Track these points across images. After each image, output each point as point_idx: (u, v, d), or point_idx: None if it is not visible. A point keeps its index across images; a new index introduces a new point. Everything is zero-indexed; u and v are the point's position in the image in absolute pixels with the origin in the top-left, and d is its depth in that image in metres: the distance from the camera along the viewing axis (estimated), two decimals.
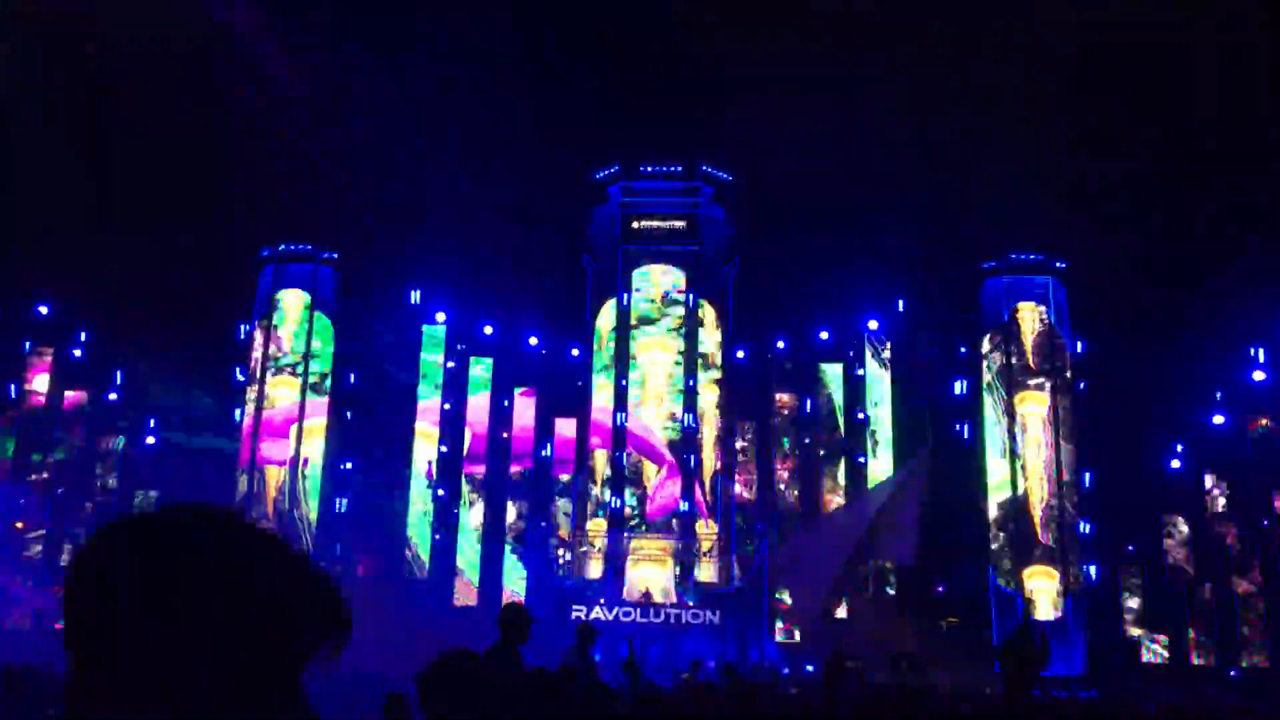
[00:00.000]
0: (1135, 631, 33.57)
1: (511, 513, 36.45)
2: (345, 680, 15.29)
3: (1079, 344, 35.55)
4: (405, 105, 41.10)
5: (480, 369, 37.68)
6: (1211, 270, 34.10)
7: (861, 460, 35.93)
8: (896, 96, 39.45)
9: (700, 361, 37.12)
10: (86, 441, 35.66)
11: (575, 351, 38.30)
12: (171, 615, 1.10)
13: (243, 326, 36.70)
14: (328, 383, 36.13)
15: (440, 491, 36.22)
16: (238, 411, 35.99)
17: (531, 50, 41.67)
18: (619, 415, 36.34)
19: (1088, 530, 33.91)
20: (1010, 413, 34.76)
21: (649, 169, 38.67)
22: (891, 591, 33.49)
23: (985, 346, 35.63)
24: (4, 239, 34.03)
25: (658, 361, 37.08)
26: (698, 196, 38.37)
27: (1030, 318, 35.47)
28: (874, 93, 39.57)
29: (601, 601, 31.74)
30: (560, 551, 36.09)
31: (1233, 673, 31.80)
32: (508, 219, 39.33)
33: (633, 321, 37.27)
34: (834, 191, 38.93)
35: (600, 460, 36.48)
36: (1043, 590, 33.14)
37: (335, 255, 37.07)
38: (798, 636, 33.34)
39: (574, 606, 30.32)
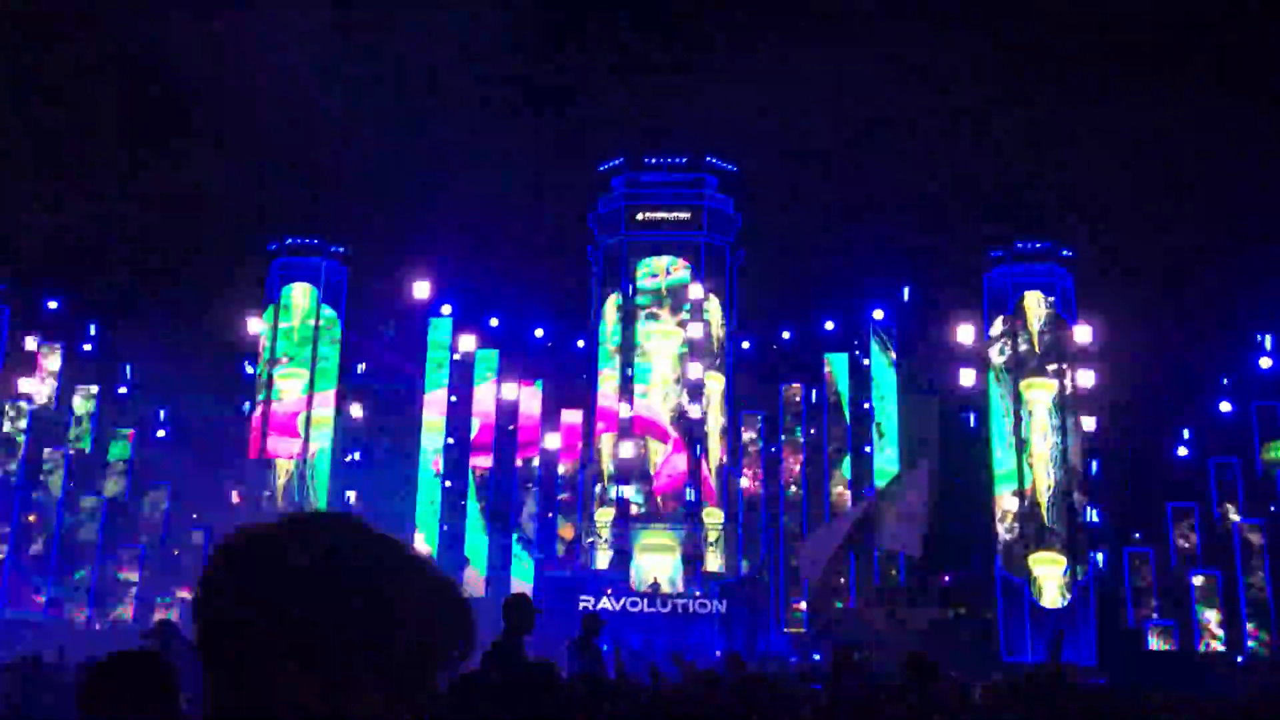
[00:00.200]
0: (1142, 619, 33.58)
1: (518, 504, 36.58)
2: None
3: (1086, 332, 35.49)
4: (411, 100, 41.17)
5: (486, 360, 37.76)
6: (1218, 257, 34.04)
7: (868, 450, 35.96)
8: (902, 86, 39.41)
9: (706, 352, 37.16)
10: (96, 435, 35.83)
11: (581, 343, 38.39)
12: (304, 625, 1.09)
13: (250, 320, 36.83)
14: (335, 375, 36.26)
15: (447, 483, 36.37)
16: (246, 404, 36.15)
17: (536, 41, 41.70)
18: (625, 405, 36.41)
19: (1095, 518, 33.92)
20: (1017, 401, 34.73)
21: (653, 160, 38.68)
22: (898, 580, 33.54)
23: (992, 335, 35.58)
24: (12, 235, 34.21)
25: (663, 352, 37.13)
26: (702, 187, 38.36)
27: (1037, 306, 35.41)
28: (879, 82, 39.55)
29: (609, 592, 31.84)
30: (567, 542, 36.22)
31: (1239, 659, 31.81)
32: (513, 212, 39.48)
33: (638, 313, 37.31)
34: (839, 181, 38.96)
35: (606, 446, 36.54)
36: (1050, 578, 33.19)
37: (342, 249, 37.19)
38: (805, 626, 33.44)
39: (581, 597, 30.41)
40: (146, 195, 36.46)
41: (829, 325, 37.33)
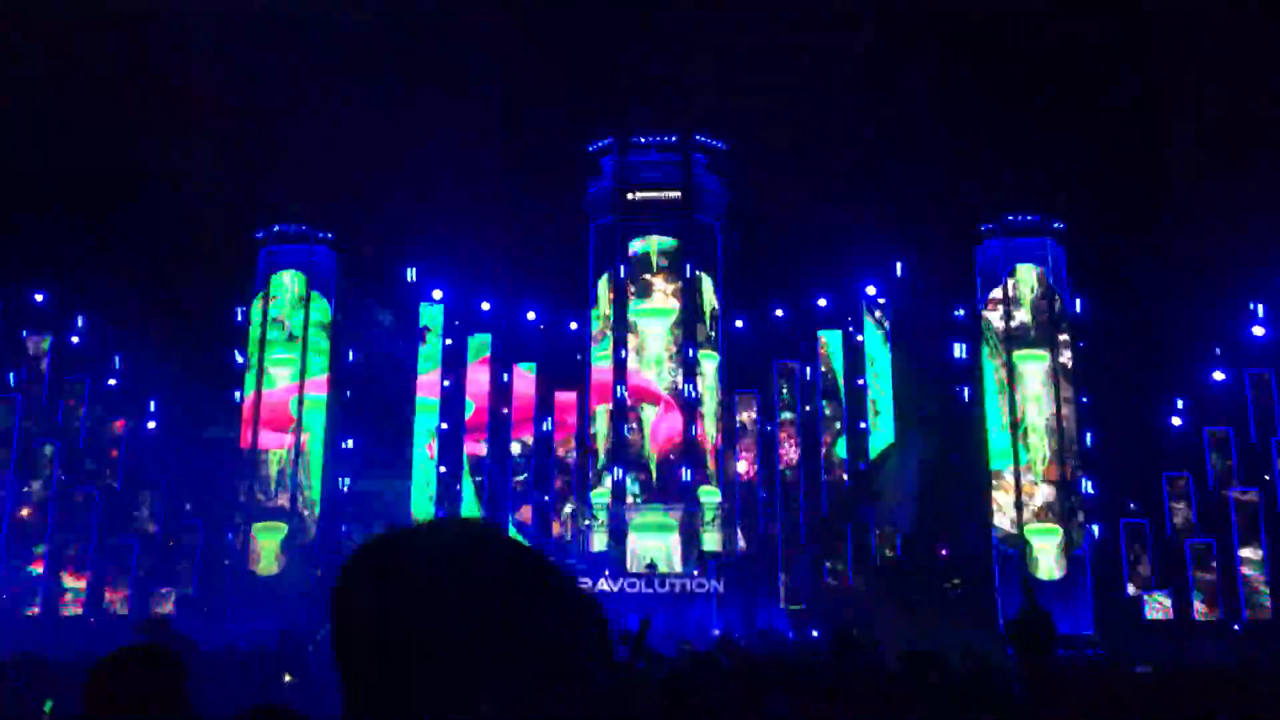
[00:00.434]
0: (1139, 588, 33.72)
1: (513, 486, 36.57)
2: None
3: (1078, 303, 35.50)
4: (397, 83, 40.86)
5: (478, 344, 37.69)
6: (1209, 226, 34.00)
7: (863, 426, 35.98)
8: (890, 60, 39.21)
9: (699, 331, 37.09)
10: (87, 428, 35.69)
11: (574, 325, 38.30)
12: (439, 627, 1.09)
13: (240, 309, 36.65)
14: (326, 362, 36.11)
15: (442, 468, 36.33)
16: (237, 394, 36.02)
17: (522, 22, 41.37)
18: (619, 387, 36.36)
19: (1090, 489, 34.01)
20: (1010, 374, 34.75)
21: (642, 140, 38.46)
22: (895, 555, 33.61)
23: (984, 309, 35.57)
24: None
25: (656, 332, 37.06)
26: (692, 166, 38.20)
27: (1028, 279, 35.38)
28: (868, 57, 39.32)
29: (606, 573, 31.86)
30: (564, 523, 36.24)
31: (1236, 627, 31.98)
32: (502, 194, 39.23)
33: (630, 293, 37.21)
34: (830, 157, 38.79)
35: (602, 427, 36.47)
36: (1046, 549, 33.30)
37: (331, 235, 36.96)
38: (803, 604, 33.52)
39: (579, 579, 30.44)
40: (132, 184, 36.16)
41: (822, 302, 37.28)
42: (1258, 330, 35.02)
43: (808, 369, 37.17)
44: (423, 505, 36.08)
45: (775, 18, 42.18)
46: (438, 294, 37.39)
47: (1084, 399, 34.71)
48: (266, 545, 34.06)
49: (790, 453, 37.05)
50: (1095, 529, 33.83)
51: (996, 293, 35.45)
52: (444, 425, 36.66)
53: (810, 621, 31.02)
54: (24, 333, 35.79)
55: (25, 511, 34.46)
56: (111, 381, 36.27)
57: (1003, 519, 33.84)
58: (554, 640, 1.14)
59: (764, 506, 36.16)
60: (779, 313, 37.63)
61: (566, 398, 37.60)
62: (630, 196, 37.86)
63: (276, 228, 36.67)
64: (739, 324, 37.83)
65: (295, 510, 34.55)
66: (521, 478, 36.81)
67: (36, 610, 32.77)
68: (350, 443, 35.56)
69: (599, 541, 34.88)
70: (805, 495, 35.75)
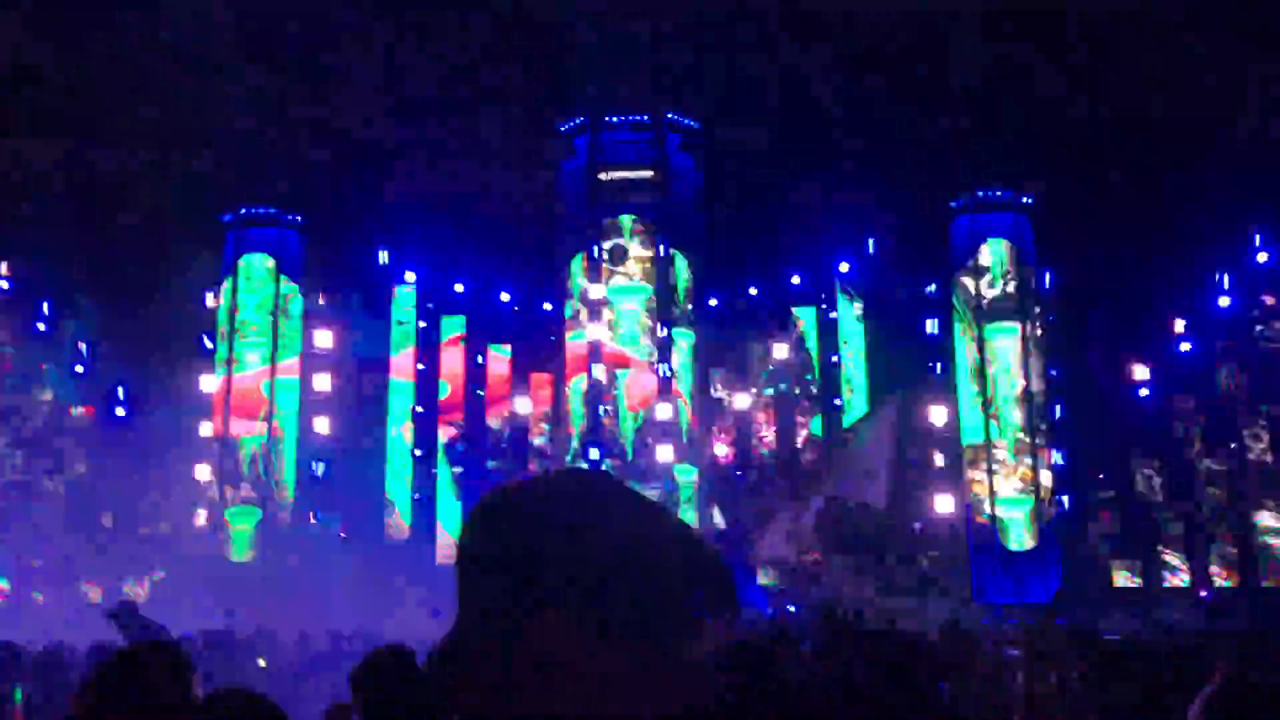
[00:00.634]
0: (1108, 557, 34.19)
1: (490, 468, 36.55)
2: (337, 639, 15.37)
3: (1048, 277, 35.83)
4: (366, 62, 40.50)
5: (452, 326, 37.58)
6: (1176, 199, 34.32)
7: (837, 403, 36.18)
8: (862, 38, 39.20)
9: (674, 309, 37.13)
10: (54, 414, 35.36)
11: (548, 306, 38.25)
12: (562, 576, 1.09)
13: (208, 293, 36.35)
14: (298, 346, 35.89)
15: (418, 451, 36.26)
16: (207, 379, 35.75)
17: (492, 1, 41.06)
18: (594, 367, 36.38)
19: (1060, 460, 34.42)
20: (981, 348, 35.06)
21: (615, 119, 38.35)
22: (869, 529, 33.88)
23: (955, 284, 35.82)
24: None
25: (631, 311, 37.07)
26: (665, 145, 38.14)
27: (999, 253, 35.66)
28: (839, 34, 39.30)
29: None
30: None
31: (1204, 594, 32.48)
32: (474, 175, 39.02)
33: (604, 273, 37.17)
34: (802, 135, 38.80)
35: (577, 403, 36.45)
36: (1016, 520, 33.71)
37: (299, 218, 36.66)
38: (779, 580, 33.72)
39: None
40: (96, 167, 35.72)
41: (796, 280, 37.40)
42: (1224, 300, 35.44)
43: (782, 346, 37.34)
44: (398, 489, 36.03)
45: None
46: (410, 276, 37.22)
47: (1054, 371, 35.10)
48: (239, 531, 33.94)
49: (766, 431, 37.24)
50: (1065, 499, 34.25)
51: (968, 268, 35.70)
52: (419, 409, 36.57)
53: (786, 598, 31.24)
54: None
55: None
56: (79, 368, 35.94)
57: (975, 491, 34.20)
58: (678, 588, 1.14)
59: (740, 484, 36.32)
60: (753, 291, 37.73)
61: (542, 378, 37.61)
62: (603, 176, 37.78)
63: (244, 210, 36.32)
64: (713, 302, 37.90)
65: (268, 496, 34.42)
66: (495, 464, 36.76)
67: (4, 598, 32.52)
68: (324, 426, 35.39)
69: None
70: (781, 473, 35.94)
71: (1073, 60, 38.24)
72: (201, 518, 33.96)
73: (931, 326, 35.77)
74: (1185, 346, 35.42)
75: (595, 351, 36.47)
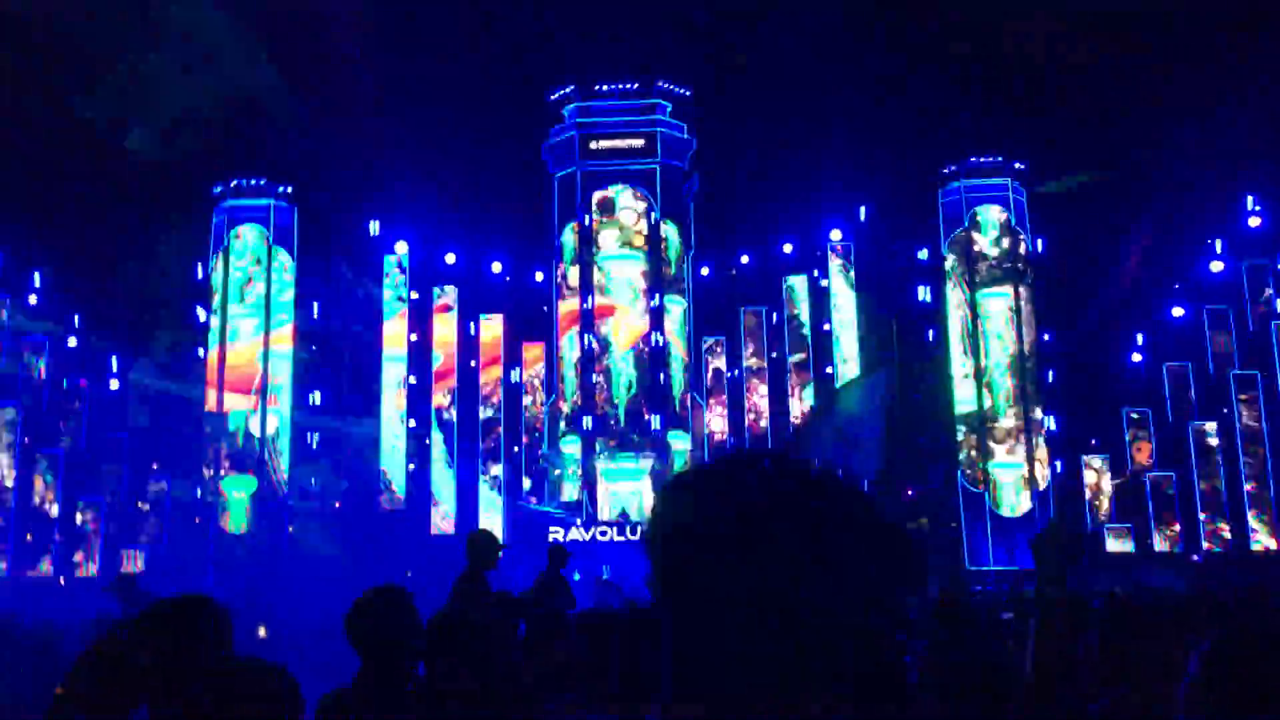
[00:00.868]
0: (1099, 522, 34.39)
1: (483, 439, 36.60)
2: (333, 608, 15.41)
3: (1039, 243, 35.85)
4: (356, 32, 40.12)
5: (445, 297, 37.48)
6: (1167, 165, 34.29)
7: (829, 371, 36.24)
8: (851, 5, 38.94)
9: (665, 279, 37.07)
10: (49, 388, 35.27)
11: (540, 276, 38.16)
12: (752, 552, 1.12)
13: (200, 264, 36.21)
14: (291, 317, 35.82)
15: (412, 422, 36.27)
16: (201, 350, 35.69)
17: None
18: (586, 335, 36.34)
19: (1053, 426, 34.58)
20: (974, 314, 35.13)
21: (604, 87, 38.10)
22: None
23: (947, 250, 35.82)
24: None
25: (622, 281, 36.99)
26: (655, 113, 37.93)
27: (991, 219, 35.66)
28: (830, 2, 39.03)
29: (578, 522, 32.07)
30: (534, 474, 36.36)
31: (1196, 558, 32.73)
32: (465, 145, 38.81)
33: (595, 242, 37.07)
34: (793, 103, 38.62)
35: (570, 375, 36.45)
36: (1008, 485, 33.90)
37: (290, 189, 36.48)
38: None
39: (550, 528, 30.62)
40: (88, 138, 35.42)
41: (787, 248, 37.34)
42: (1215, 265, 35.49)
43: (774, 315, 37.35)
44: (393, 459, 36.06)
45: None
46: (402, 247, 37.07)
47: (1046, 337, 35.20)
48: (236, 500, 33.99)
49: (758, 398, 37.32)
50: (1057, 464, 34.44)
51: (959, 234, 35.70)
52: (412, 380, 36.53)
53: None
54: None
55: None
56: (72, 341, 35.82)
57: (967, 458, 34.37)
58: (867, 559, 1.16)
59: (732, 451, 36.42)
60: (745, 259, 37.67)
61: (535, 348, 37.59)
62: (593, 145, 37.58)
63: (235, 182, 36.15)
64: (705, 271, 37.84)
65: (263, 466, 34.44)
66: (491, 429, 36.78)
67: (5, 573, 32.57)
68: (317, 397, 35.36)
69: (570, 490, 35.08)
70: (774, 440, 36.04)
71: (1065, 26, 38.05)
72: (197, 489, 33.98)
73: (923, 293, 35.80)
74: (1177, 311, 35.52)
75: (587, 320, 36.40)
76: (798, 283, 37.42)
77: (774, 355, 37.26)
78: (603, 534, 31.54)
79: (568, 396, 36.54)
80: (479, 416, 36.82)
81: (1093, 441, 35.07)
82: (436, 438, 36.47)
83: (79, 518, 33.98)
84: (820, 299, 36.99)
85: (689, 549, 1.16)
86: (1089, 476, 34.76)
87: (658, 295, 36.63)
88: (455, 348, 37.05)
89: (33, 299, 35.82)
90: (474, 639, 3.72)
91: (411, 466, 35.97)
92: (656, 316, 36.48)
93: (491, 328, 37.48)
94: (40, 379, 35.22)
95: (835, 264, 37.02)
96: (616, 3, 40.66)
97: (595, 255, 36.93)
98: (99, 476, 34.45)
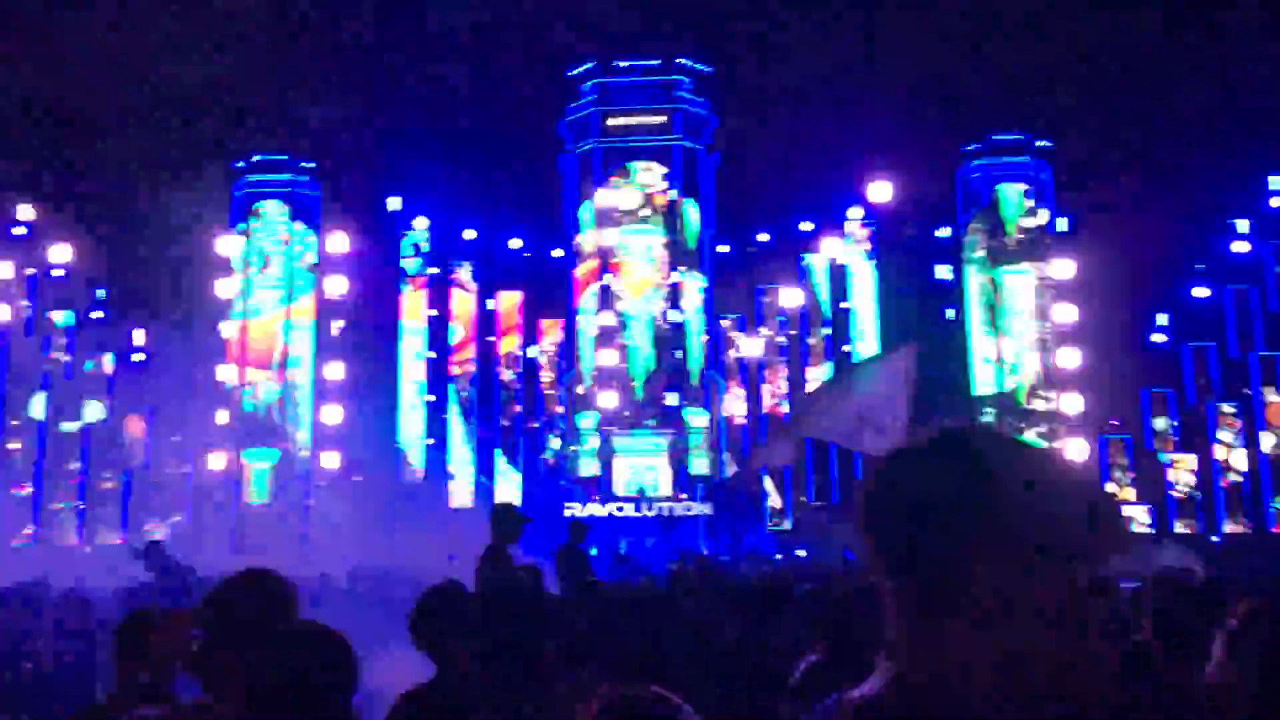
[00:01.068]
0: (1120, 503, 34.28)
1: (501, 414, 36.71)
2: (355, 580, 15.56)
3: (1062, 222, 35.57)
4: (377, 8, 40.07)
5: (463, 272, 37.54)
6: (1192, 144, 33.94)
7: (847, 350, 36.13)
8: None
9: (684, 256, 37.00)
10: (73, 361, 35.58)
11: (558, 252, 38.15)
12: (980, 525, 1.15)
13: (223, 239, 36.36)
14: (312, 291, 35.98)
15: (431, 396, 36.41)
16: (223, 324, 35.90)
17: None
18: (604, 314, 36.36)
19: (1073, 405, 34.41)
20: (995, 293, 34.95)
21: (624, 63, 37.94)
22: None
23: (969, 229, 35.60)
24: None
25: (640, 257, 36.96)
26: (676, 89, 37.77)
27: (1012, 198, 35.40)
28: None
29: (596, 497, 32.21)
30: (552, 450, 36.48)
31: (1215, 539, 32.60)
32: (484, 121, 38.73)
33: (614, 219, 37.01)
34: (814, 80, 38.33)
35: (587, 351, 36.50)
36: None
37: (311, 164, 36.60)
38: (788, 525, 33.98)
39: (567, 504, 30.76)
40: (112, 112, 35.56)
41: (807, 226, 37.15)
42: (1238, 246, 35.16)
43: (793, 293, 37.22)
44: (410, 432, 36.23)
45: None
46: (421, 223, 37.10)
47: (1067, 315, 34.95)
48: (258, 470, 34.28)
49: (776, 377, 37.24)
50: (1080, 443, 34.31)
51: (981, 212, 35.46)
52: (431, 355, 36.65)
53: (795, 542, 31.48)
54: (8, 265, 35.42)
55: (15, 445, 34.50)
56: (96, 314, 36.08)
57: None
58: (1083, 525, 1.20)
59: (750, 429, 36.44)
60: (764, 237, 37.53)
61: (552, 324, 37.63)
62: (612, 121, 37.47)
63: (257, 157, 36.29)
64: (724, 249, 37.73)
65: (284, 438, 34.70)
66: (509, 404, 36.89)
67: (28, 541, 32.97)
68: (337, 371, 35.53)
69: (587, 466, 35.18)
70: (790, 418, 35.98)
71: (1089, 1, 37.62)
72: (219, 461, 34.26)
73: (944, 272, 35.60)
74: (1200, 292, 35.22)
75: (605, 296, 36.40)
76: (817, 261, 37.25)
77: (792, 333, 37.16)
78: (619, 509, 31.66)
79: (585, 372, 36.60)
80: (497, 391, 36.93)
81: (1113, 422, 34.90)
82: (455, 409, 36.62)
83: (102, 488, 34.33)
84: (839, 277, 36.84)
85: (923, 526, 1.19)
86: (1110, 456, 34.62)
87: (676, 271, 36.58)
88: (473, 323, 37.15)
89: (58, 271, 36.05)
90: (503, 612, 3.78)
91: (430, 441, 36.14)
92: (675, 293, 36.44)
93: (509, 302, 37.54)
94: (65, 352, 35.51)
95: (855, 242, 36.83)
96: None
97: (613, 231, 36.88)
98: (122, 448, 34.77)
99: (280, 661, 2.36)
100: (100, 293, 36.03)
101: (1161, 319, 35.56)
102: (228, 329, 35.69)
